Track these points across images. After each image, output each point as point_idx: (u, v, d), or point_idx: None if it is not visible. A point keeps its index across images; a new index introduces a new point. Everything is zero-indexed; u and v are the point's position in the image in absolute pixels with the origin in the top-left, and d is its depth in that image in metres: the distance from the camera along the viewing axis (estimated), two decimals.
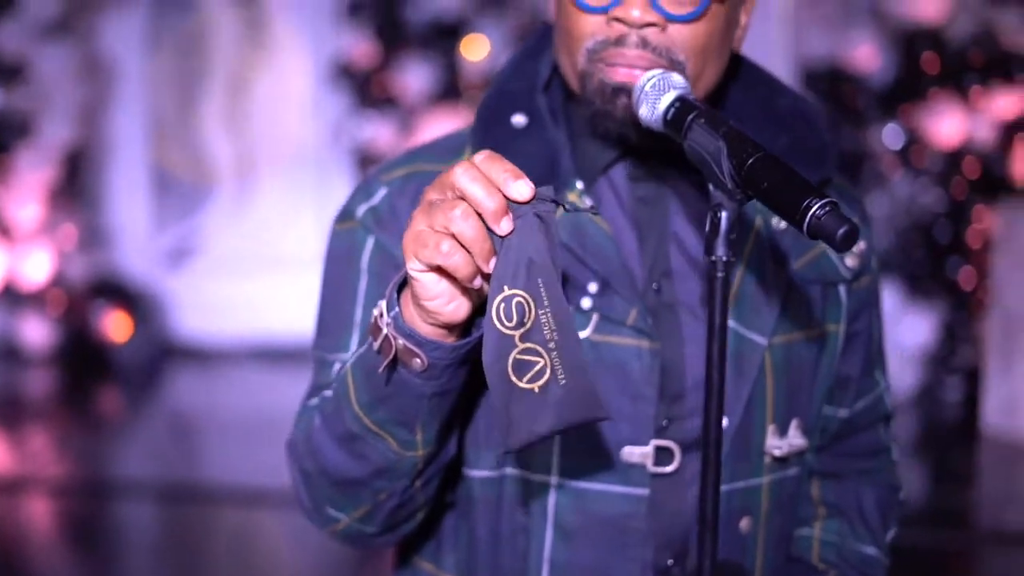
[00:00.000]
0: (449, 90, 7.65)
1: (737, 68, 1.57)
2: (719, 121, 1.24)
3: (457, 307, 1.22)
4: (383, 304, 1.26)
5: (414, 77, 7.67)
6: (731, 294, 1.45)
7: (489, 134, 1.48)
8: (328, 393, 1.42)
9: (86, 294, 7.94)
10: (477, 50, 7.06)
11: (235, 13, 8.39)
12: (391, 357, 1.25)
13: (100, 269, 8.17)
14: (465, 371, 1.31)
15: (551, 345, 1.18)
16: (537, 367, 1.19)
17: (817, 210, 1.12)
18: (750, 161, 1.18)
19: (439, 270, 1.18)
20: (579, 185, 1.46)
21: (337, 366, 1.48)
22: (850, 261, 1.54)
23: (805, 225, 1.13)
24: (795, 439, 1.50)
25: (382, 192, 1.50)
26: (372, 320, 1.28)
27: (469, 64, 7.09)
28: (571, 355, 1.19)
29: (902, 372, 7.33)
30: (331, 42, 8.17)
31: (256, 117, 8.45)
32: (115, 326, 7.85)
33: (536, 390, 1.19)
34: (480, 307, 1.24)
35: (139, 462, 6.31)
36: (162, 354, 8.16)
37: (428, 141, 1.59)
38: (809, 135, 1.52)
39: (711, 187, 1.23)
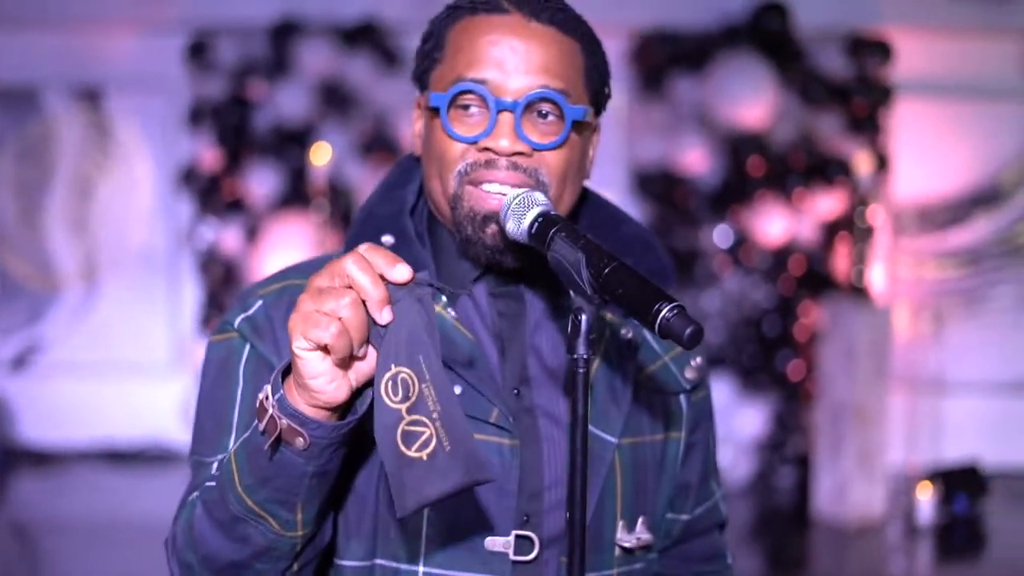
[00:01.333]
0: (295, 195, 7.73)
1: (586, 198, 1.71)
2: (577, 235, 1.37)
3: (337, 387, 1.31)
4: (268, 388, 1.34)
5: (259, 182, 7.74)
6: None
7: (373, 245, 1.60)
8: (211, 483, 1.46)
9: None
10: (322, 156, 7.17)
11: (80, 116, 8.39)
12: (275, 436, 1.33)
13: None
14: (343, 453, 1.39)
15: (435, 416, 1.29)
16: (423, 436, 1.29)
17: (667, 312, 1.25)
18: (606, 270, 1.31)
19: (323, 350, 1.28)
20: (443, 300, 1.56)
21: (215, 466, 1.52)
22: (689, 374, 1.67)
23: (656, 325, 1.26)
24: (642, 534, 1.60)
25: (258, 304, 1.57)
26: (258, 402, 1.35)
27: (315, 169, 7.20)
28: (454, 424, 1.30)
29: (736, 461, 7.56)
30: (176, 147, 8.22)
31: (101, 221, 8.42)
32: None
33: (424, 458, 1.28)
34: (357, 391, 1.35)
35: None
36: (6, 458, 8.02)
37: (299, 262, 1.68)
38: (651, 258, 1.65)
39: (572, 293, 1.35)
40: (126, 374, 8.22)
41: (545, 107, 1.50)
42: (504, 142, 1.48)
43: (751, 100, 7.39)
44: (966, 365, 8.25)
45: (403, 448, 1.28)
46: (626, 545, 1.60)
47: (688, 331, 1.24)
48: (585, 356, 1.34)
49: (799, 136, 7.68)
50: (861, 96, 7.76)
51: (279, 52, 7.83)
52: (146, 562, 6.15)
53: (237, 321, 1.57)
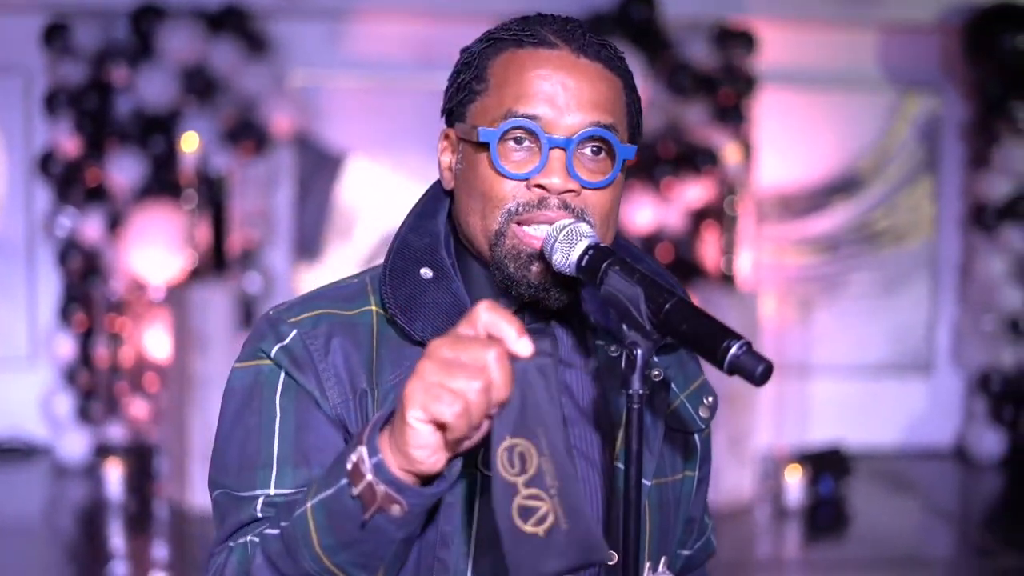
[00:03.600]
0: (160, 183, 7.56)
1: None
2: (632, 268, 1.35)
3: (437, 460, 1.24)
4: (363, 449, 1.27)
5: (122, 170, 7.54)
6: (618, 439, 1.54)
7: (401, 284, 1.51)
8: (271, 531, 1.40)
9: None
10: (190, 144, 7.01)
11: None
12: (376, 506, 1.27)
13: None
14: (426, 517, 1.34)
15: (552, 491, 1.22)
16: (540, 512, 1.22)
17: (736, 350, 1.23)
18: (667, 305, 1.29)
19: (438, 425, 1.21)
20: None
21: (260, 502, 1.46)
22: (703, 412, 1.65)
23: (726, 363, 1.23)
24: (665, 574, 1.59)
25: (293, 333, 1.50)
26: (350, 465, 1.28)
27: (184, 157, 7.04)
28: (572, 501, 1.23)
29: None
30: (33, 133, 7.97)
31: None
32: None
33: (541, 534, 1.21)
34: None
35: None
36: None
37: (319, 288, 1.61)
38: None
39: (624, 327, 1.33)
40: None
41: (596, 144, 1.48)
42: (556, 180, 1.45)
43: None
44: (829, 349, 8.47)
45: (519, 522, 1.22)
46: None
47: (760, 369, 1.23)
48: (640, 392, 1.33)
49: (667, 125, 7.77)
50: (727, 86, 7.88)
51: (141, 36, 7.64)
52: (4, 558, 6.00)
53: (273, 350, 1.50)
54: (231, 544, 1.45)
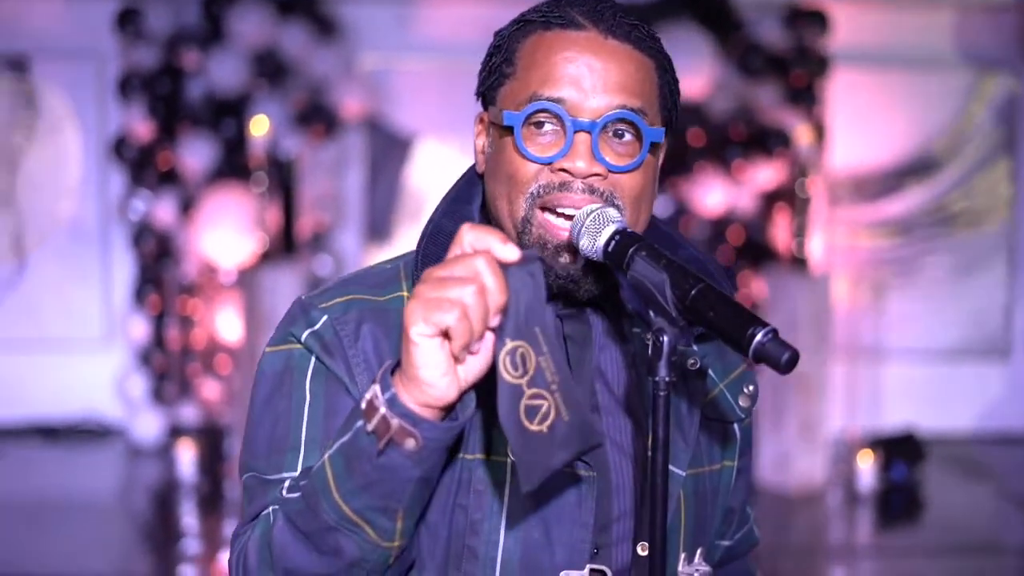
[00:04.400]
0: (231, 167, 7.62)
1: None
2: (659, 254, 1.33)
3: (449, 384, 1.26)
4: (376, 387, 1.29)
5: (194, 153, 7.61)
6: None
7: (431, 267, 1.53)
8: (292, 495, 1.40)
9: None
10: (260, 127, 7.05)
11: (5, 86, 8.19)
12: (388, 437, 1.27)
13: None
14: (443, 459, 1.34)
15: (553, 387, 1.27)
16: (543, 409, 1.26)
17: (762, 337, 1.22)
18: (693, 292, 1.28)
19: (444, 336, 1.23)
20: None
21: (287, 484, 1.45)
22: (743, 402, 1.63)
23: (751, 350, 1.22)
24: (701, 566, 1.57)
25: (323, 319, 1.50)
26: (365, 402, 1.29)
27: (255, 141, 7.07)
28: (569, 392, 1.28)
29: None
30: (107, 118, 8.06)
31: (29, 195, 8.24)
32: None
33: (545, 430, 1.26)
34: (464, 391, 1.30)
35: None
36: None
37: (355, 272, 1.61)
38: (712, 284, 1.63)
39: (651, 314, 1.32)
40: (58, 350, 8.07)
41: (622, 128, 1.45)
42: (581, 163, 1.43)
43: (690, 71, 7.38)
44: (903, 333, 8.37)
45: (526, 423, 1.26)
46: None
47: (785, 356, 1.22)
48: (667, 379, 1.32)
49: (738, 107, 7.71)
50: (799, 67, 7.79)
51: (212, 20, 7.69)
52: (79, 538, 6.09)
53: (304, 335, 1.50)
54: (255, 521, 1.45)
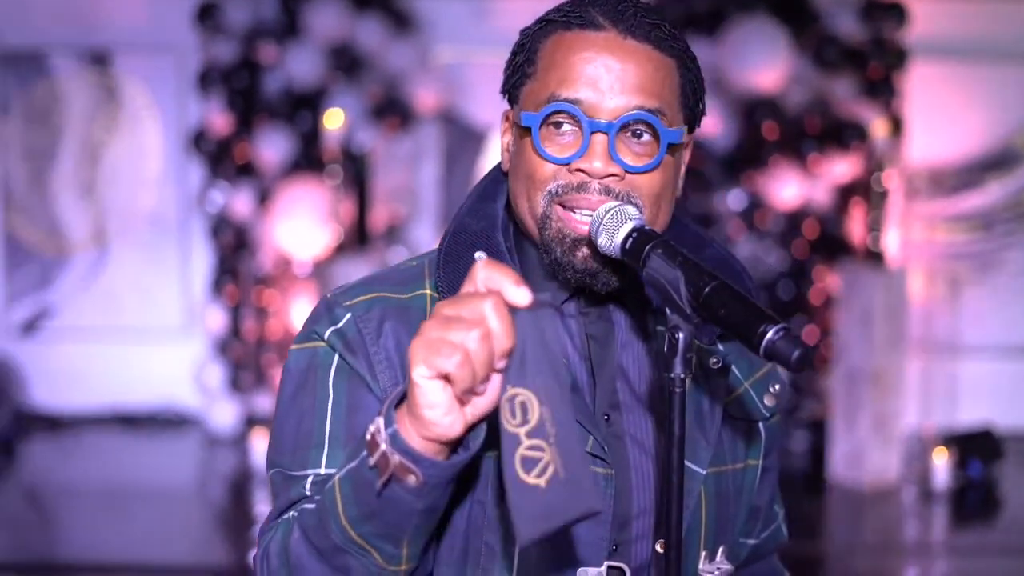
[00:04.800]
0: (307, 159, 7.69)
1: (671, 218, 1.64)
2: (675, 251, 1.35)
3: (453, 422, 1.25)
4: (380, 420, 1.29)
5: (270, 146, 7.69)
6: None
7: (455, 268, 1.52)
8: (309, 506, 1.42)
9: None
10: (334, 121, 7.12)
11: (88, 80, 8.34)
12: (388, 474, 1.28)
13: None
14: (451, 489, 1.34)
15: (551, 440, 1.22)
16: (542, 462, 1.22)
17: (772, 334, 1.22)
18: (707, 289, 1.29)
19: (445, 379, 1.22)
20: None
21: (310, 480, 1.47)
22: (768, 400, 1.64)
23: (762, 348, 1.23)
24: (722, 564, 1.57)
25: (347, 316, 1.51)
26: (369, 435, 1.30)
27: (329, 134, 7.15)
28: (570, 450, 1.24)
29: None
30: (186, 111, 8.18)
31: (111, 186, 8.38)
32: None
33: (543, 484, 1.22)
34: (470, 428, 1.29)
35: None
36: (17, 424, 8.01)
37: (381, 270, 1.63)
38: (735, 282, 1.61)
39: (667, 311, 1.33)
40: (137, 339, 8.21)
41: (640, 128, 1.46)
42: (597, 164, 1.45)
43: (765, 64, 7.33)
44: (980, 329, 8.26)
45: (522, 474, 1.22)
46: None
47: (796, 354, 1.22)
48: (682, 376, 1.32)
49: (813, 100, 7.64)
50: (876, 59, 7.71)
51: (289, 14, 7.77)
52: (157, 525, 6.19)
53: (327, 333, 1.52)
54: (279, 521, 1.47)
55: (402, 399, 1.29)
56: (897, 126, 7.72)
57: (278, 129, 7.72)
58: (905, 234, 8.03)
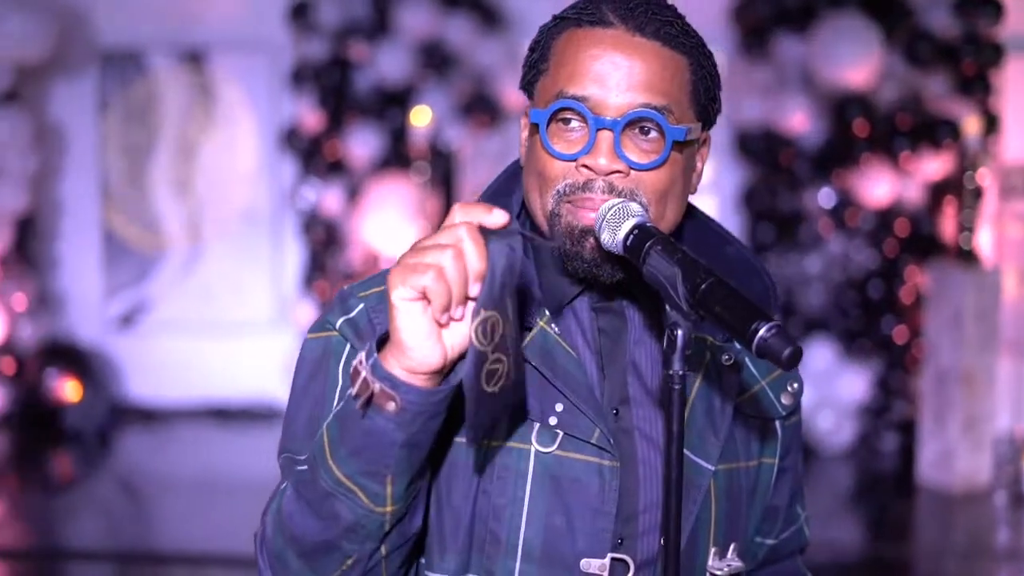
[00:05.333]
0: (395, 156, 7.77)
1: (692, 216, 1.66)
2: (674, 248, 1.35)
3: (432, 348, 1.29)
4: (362, 354, 1.33)
5: (360, 144, 7.78)
6: (683, 420, 1.55)
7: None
8: (302, 467, 1.45)
9: (37, 358, 8.00)
10: (422, 118, 7.19)
11: (184, 78, 8.51)
12: (366, 397, 1.32)
13: (51, 333, 8.24)
14: (435, 425, 1.36)
15: (510, 350, 1.31)
16: (499, 371, 1.31)
17: (764, 332, 1.23)
18: (703, 286, 1.29)
19: (422, 300, 1.27)
20: (547, 313, 1.53)
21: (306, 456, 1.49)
22: (785, 399, 1.65)
23: (754, 345, 1.24)
24: (733, 561, 1.58)
25: (359, 307, 1.54)
26: (352, 368, 1.34)
27: (416, 131, 7.22)
28: (520, 353, 1.34)
29: (839, 426, 7.50)
30: (279, 108, 8.31)
31: (205, 182, 8.55)
32: (66, 389, 7.89)
33: (497, 391, 1.31)
34: (451, 365, 1.34)
35: (92, 525, 6.35)
36: (113, 416, 8.21)
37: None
38: (754, 281, 1.62)
39: (667, 308, 1.34)
40: (230, 332, 8.36)
41: (648, 125, 1.47)
42: (602, 160, 1.46)
43: (856, 60, 7.24)
44: None
45: (484, 386, 1.30)
46: (717, 573, 1.58)
47: (787, 352, 1.22)
48: (681, 372, 1.33)
49: (906, 97, 7.54)
50: (970, 55, 7.58)
51: (380, 13, 7.85)
52: (249, 518, 6.29)
53: (339, 322, 1.55)
54: (277, 492, 1.50)
55: (384, 340, 1.34)
56: (992, 123, 7.58)
57: (368, 126, 7.80)
58: (999, 233, 7.88)
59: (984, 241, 7.44)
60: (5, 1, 7.73)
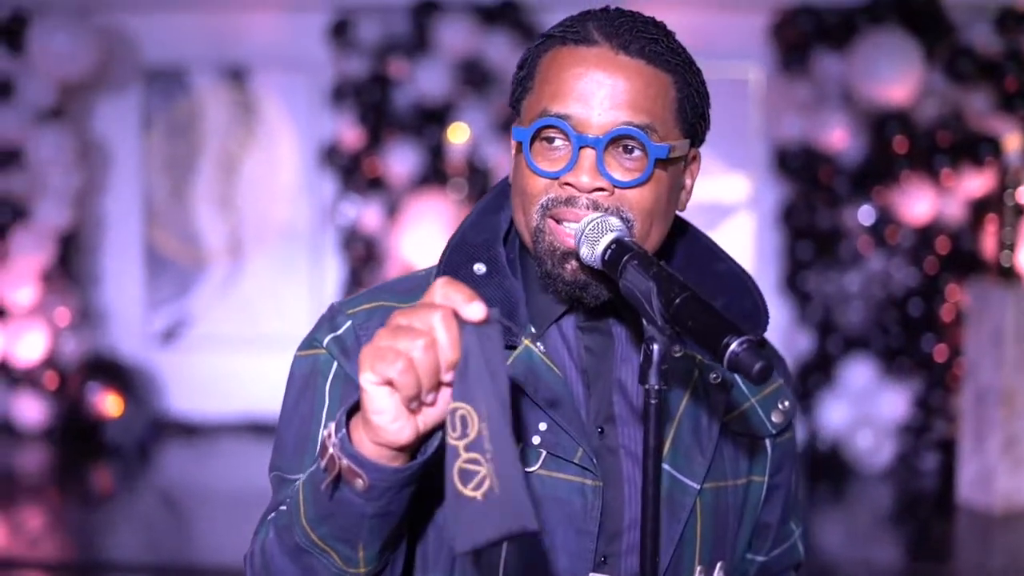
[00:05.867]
0: (434, 173, 7.80)
1: (684, 232, 1.68)
2: (650, 263, 1.35)
3: (400, 428, 1.26)
4: (332, 425, 1.32)
5: (399, 160, 7.82)
6: (667, 439, 1.54)
7: (453, 279, 1.56)
8: (283, 507, 1.46)
9: (79, 372, 8.07)
10: (460, 135, 7.22)
11: (226, 95, 8.57)
12: (334, 475, 1.30)
13: (93, 348, 8.32)
14: (408, 494, 1.35)
15: (488, 456, 1.23)
16: (479, 476, 1.23)
17: (735, 346, 1.23)
18: (677, 300, 1.29)
19: (389, 386, 1.24)
20: (532, 331, 1.54)
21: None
22: (776, 417, 1.65)
23: (725, 359, 1.23)
24: None
25: (347, 324, 1.55)
26: (322, 440, 1.33)
27: (453, 148, 7.25)
28: (505, 467, 1.24)
29: (879, 444, 7.45)
30: (319, 125, 8.36)
31: (246, 198, 8.61)
32: (108, 403, 7.96)
33: (480, 498, 1.23)
34: (426, 436, 1.31)
35: (132, 539, 6.40)
36: (154, 430, 8.27)
37: (390, 280, 1.66)
38: (744, 298, 1.63)
39: (644, 323, 1.33)
40: (270, 348, 8.38)
41: (632, 143, 1.47)
42: (585, 178, 1.46)
43: (896, 77, 7.23)
44: None
45: (459, 485, 1.24)
46: None
47: (757, 366, 1.22)
48: (657, 387, 1.33)
49: (946, 113, 7.51)
50: (1012, 72, 7.54)
51: (419, 30, 7.90)
52: None
53: (326, 340, 1.56)
54: (267, 520, 1.50)
55: (356, 406, 1.32)
56: None
57: (407, 143, 7.84)
58: None
59: None
60: (50, 19, 7.82)
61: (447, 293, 1.26)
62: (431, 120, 7.84)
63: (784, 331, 7.84)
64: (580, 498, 1.51)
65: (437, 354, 1.24)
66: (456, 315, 1.25)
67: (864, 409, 7.42)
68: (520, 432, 1.50)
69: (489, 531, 1.25)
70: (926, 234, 7.57)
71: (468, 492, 1.24)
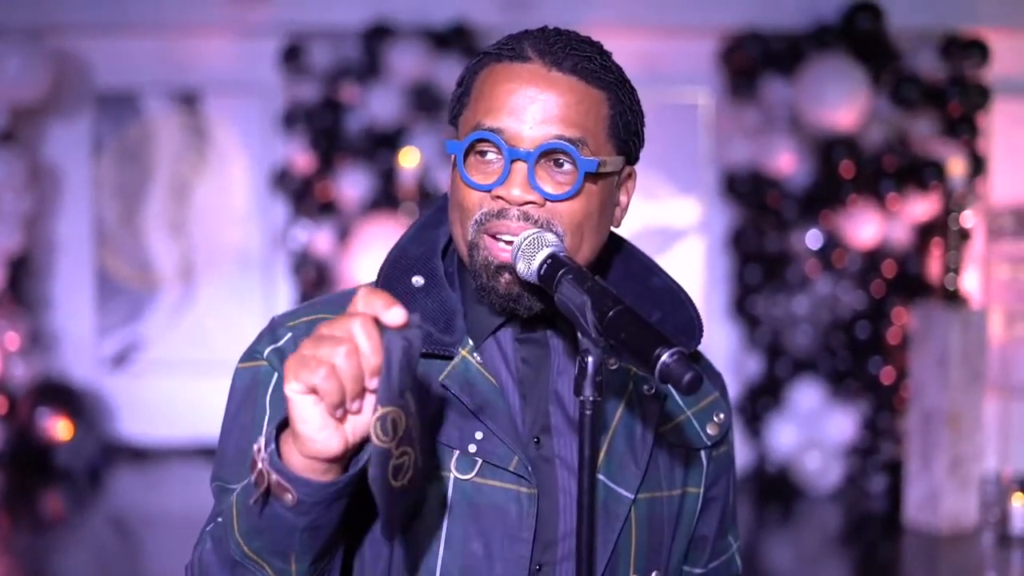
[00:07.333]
0: (385, 197, 7.82)
1: (620, 248, 1.71)
2: (585, 277, 1.38)
3: (328, 438, 1.28)
4: (262, 440, 1.33)
5: (351, 184, 7.84)
6: (602, 450, 1.57)
7: (391, 291, 1.55)
8: (220, 519, 1.46)
9: (30, 397, 8.03)
10: (411, 159, 7.25)
11: (178, 120, 8.57)
12: (263, 490, 1.32)
13: (44, 372, 8.27)
14: (339, 507, 1.36)
15: (416, 442, 1.30)
16: (406, 464, 1.29)
17: (666, 357, 1.26)
18: (610, 314, 1.32)
19: (314, 394, 1.25)
20: (470, 342, 1.56)
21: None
22: (711, 429, 1.67)
23: (656, 370, 1.26)
24: None
25: (287, 336, 1.57)
26: (252, 454, 1.34)
27: (404, 172, 7.28)
28: (423, 439, 1.33)
29: (826, 467, 7.51)
30: (271, 150, 8.36)
31: (198, 222, 8.60)
32: (58, 427, 7.91)
33: (406, 483, 1.30)
34: (356, 448, 1.32)
35: (82, 563, 6.36)
36: (105, 454, 8.22)
37: (328, 295, 1.68)
38: (679, 312, 1.65)
39: (579, 335, 1.36)
40: (222, 372, 8.29)
41: (562, 157, 1.50)
42: (516, 191, 1.49)
43: (843, 102, 7.31)
44: None
45: (392, 482, 1.29)
46: None
47: (687, 377, 1.25)
48: (591, 398, 1.35)
49: (892, 138, 7.60)
50: (956, 98, 7.65)
51: (371, 55, 7.93)
52: None
53: (266, 351, 1.58)
54: (206, 530, 1.52)
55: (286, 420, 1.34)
56: (979, 165, 7.64)
57: (359, 167, 7.86)
58: (987, 274, 7.93)
59: (971, 282, 7.48)
60: (2, 43, 7.80)
61: (368, 300, 1.28)
62: (382, 144, 7.86)
63: (733, 354, 7.90)
64: (515, 505, 1.53)
65: (359, 360, 1.26)
66: (378, 322, 1.27)
67: (812, 431, 7.49)
68: (456, 441, 1.53)
69: (408, 506, 1.34)
70: (873, 258, 7.65)
71: (397, 483, 1.29)
